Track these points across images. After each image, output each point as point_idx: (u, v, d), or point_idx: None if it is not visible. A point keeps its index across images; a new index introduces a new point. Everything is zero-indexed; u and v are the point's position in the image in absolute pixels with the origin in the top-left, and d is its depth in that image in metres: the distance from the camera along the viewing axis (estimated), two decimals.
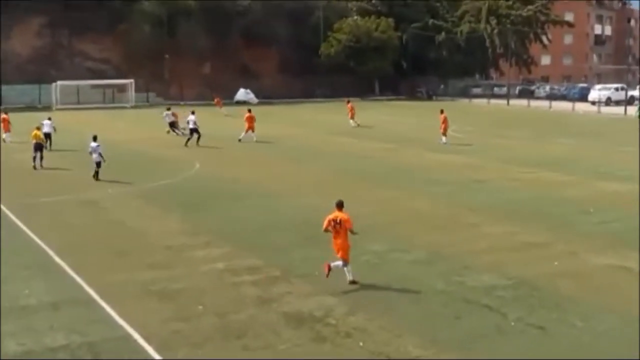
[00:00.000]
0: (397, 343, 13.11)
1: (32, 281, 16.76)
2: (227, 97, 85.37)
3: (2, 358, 12.62)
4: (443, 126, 44.68)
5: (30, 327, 13.88)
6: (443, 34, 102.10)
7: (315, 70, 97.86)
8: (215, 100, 74.26)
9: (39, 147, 35.29)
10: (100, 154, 30.84)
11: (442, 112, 45.43)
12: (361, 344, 13.05)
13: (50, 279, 17.01)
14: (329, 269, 16.29)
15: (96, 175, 30.74)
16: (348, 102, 60.44)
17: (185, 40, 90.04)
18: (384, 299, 15.42)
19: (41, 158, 35.18)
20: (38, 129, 37.05)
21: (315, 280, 16.75)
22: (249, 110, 46.70)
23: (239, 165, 35.58)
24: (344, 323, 14.02)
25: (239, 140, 44.67)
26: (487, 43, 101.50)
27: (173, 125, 50.48)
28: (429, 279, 16.84)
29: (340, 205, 16.54)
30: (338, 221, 16.28)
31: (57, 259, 18.56)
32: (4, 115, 47.08)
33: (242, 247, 19.69)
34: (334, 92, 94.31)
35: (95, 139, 31.47)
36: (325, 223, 16.45)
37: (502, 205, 25.48)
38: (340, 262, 16.34)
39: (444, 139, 44.22)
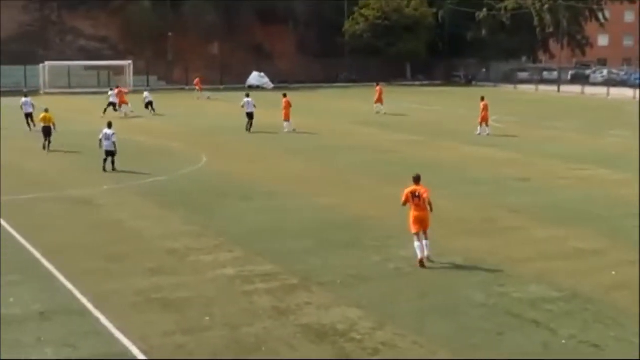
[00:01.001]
0: None
1: (18, 288, 16.91)
2: (239, 81, 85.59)
3: None
4: (482, 115, 44.68)
5: (15, 340, 14.00)
6: (484, 10, 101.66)
7: (338, 51, 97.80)
8: (195, 81, 75.55)
9: (47, 132, 37.79)
10: (114, 143, 31.62)
11: (482, 99, 45.48)
12: None
13: (38, 286, 17.14)
14: (422, 262, 18.32)
15: (112, 164, 31.64)
16: (377, 84, 60.44)
17: (191, 17, 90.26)
18: (416, 312, 15.46)
19: (49, 143, 37.63)
20: (46, 111, 38.94)
21: (337, 289, 16.83)
22: (284, 95, 46.88)
23: (250, 160, 35.70)
24: (370, 338, 14.06)
25: (286, 131, 45.06)
26: (536, 21, 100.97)
27: (113, 105, 54.22)
28: (467, 289, 16.86)
29: (417, 179, 18.85)
30: (417, 194, 18.53)
31: (46, 263, 18.73)
32: None
33: (255, 252, 19.79)
34: (360, 76, 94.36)
35: (110, 125, 32.27)
36: (404, 197, 18.72)
37: (549, 207, 25.42)
38: (425, 242, 18.39)
39: (480, 129, 44.36)
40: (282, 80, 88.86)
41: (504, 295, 16.41)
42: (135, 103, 56.86)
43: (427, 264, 18.31)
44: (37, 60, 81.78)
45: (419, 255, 18.42)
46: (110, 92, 56.58)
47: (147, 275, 17.83)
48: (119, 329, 14.40)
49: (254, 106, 46.02)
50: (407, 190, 18.81)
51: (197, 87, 73.91)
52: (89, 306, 15.67)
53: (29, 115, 45.64)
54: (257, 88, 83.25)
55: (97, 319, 14.99)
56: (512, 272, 18.05)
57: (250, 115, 45.61)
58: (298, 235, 21.57)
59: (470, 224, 23.11)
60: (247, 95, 47.60)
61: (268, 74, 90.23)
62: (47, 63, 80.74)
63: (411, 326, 14.60)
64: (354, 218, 23.67)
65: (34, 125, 44.15)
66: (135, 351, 13.47)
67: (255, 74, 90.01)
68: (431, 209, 18.63)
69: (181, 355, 13.39)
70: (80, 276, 17.60)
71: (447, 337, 14.16)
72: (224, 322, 14.79)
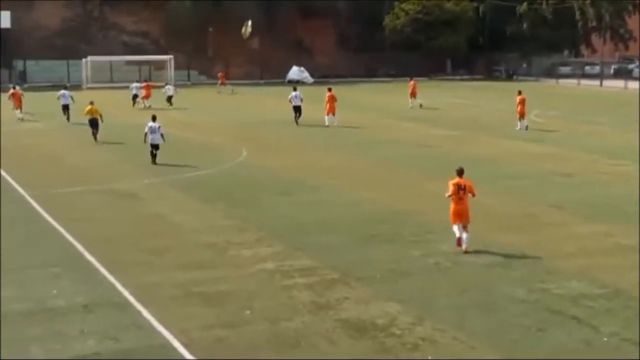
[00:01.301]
0: (471, 356, 13.10)
1: (61, 280, 17.14)
2: (279, 76, 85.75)
3: None
4: (519, 109, 44.45)
5: (59, 331, 14.19)
6: (525, 4, 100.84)
7: (378, 46, 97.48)
8: (219, 75, 77.00)
9: (94, 124, 38.51)
10: (162, 135, 32.02)
11: (519, 93, 45.27)
12: (430, 357, 13.06)
13: (81, 278, 17.34)
14: (460, 243, 19.00)
15: (154, 158, 31.94)
16: (411, 79, 60.57)
17: (231, 12, 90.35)
18: (456, 307, 15.40)
19: (96, 133, 38.41)
20: (92, 103, 39.63)
21: (377, 283, 16.83)
22: (329, 89, 47.15)
23: (290, 154, 35.76)
24: (410, 333, 14.03)
25: (326, 124, 45.23)
26: (577, 15, 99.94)
27: (135, 97, 56.65)
28: (507, 285, 16.76)
29: (461, 172, 19.47)
30: (462, 186, 19.18)
31: (88, 256, 18.93)
32: (12, 90, 49.30)
33: (294, 246, 19.84)
34: (400, 70, 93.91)
35: (154, 118, 32.58)
36: (451, 188, 19.21)
37: (591, 202, 25.16)
38: (465, 235, 18.95)
39: (519, 124, 44.07)
40: (322, 75, 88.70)
41: (545, 291, 16.29)
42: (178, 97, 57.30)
43: (465, 251, 18.81)
44: (80, 55, 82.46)
45: (457, 235, 19.20)
46: (133, 85, 58.40)
47: (187, 269, 17.94)
48: (159, 321, 14.51)
49: (301, 99, 46.56)
50: (453, 183, 19.34)
51: (221, 81, 74.74)
52: (131, 299, 15.82)
53: (65, 107, 47.05)
54: (297, 82, 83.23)
55: (139, 312, 15.13)
56: (553, 268, 17.91)
57: (297, 109, 46.26)
58: (338, 230, 21.57)
59: (512, 219, 22.97)
60: (295, 89, 48.38)
61: (308, 69, 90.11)
62: (89, 58, 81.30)
63: (451, 321, 14.55)
64: (394, 212, 23.63)
65: (69, 119, 46.22)
66: (176, 344, 13.57)
67: (295, 68, 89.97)
68: (473, 195, 19.46)
69: (221, 348, 13.46)
70: (122, 269, 17.77)
71: (487, 332, 14.09)
72: (263, 316, 14.84)
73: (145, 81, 61.15)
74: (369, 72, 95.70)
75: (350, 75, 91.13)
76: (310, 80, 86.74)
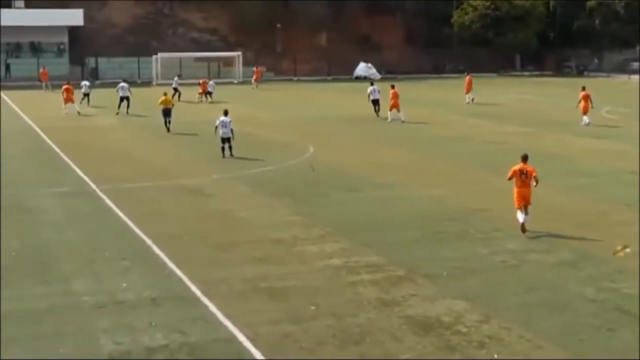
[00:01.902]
0: (537, 355, 12.96)
1: (130, 274, 17.36)
2: (346, 72, 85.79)
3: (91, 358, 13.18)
4: (583, 105, 43.94)
5: (128, 324, 14.39)
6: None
7: (446, 42, 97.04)
8: (255, 69, 77.08)
9: (167, 113, 40.66)
10: (231, 130, 32.66)
11: (583, 88, 44.97)
12: (496, 355, 12.96)
13: (149, 272, 17.56)
14: (523, 229, 20.00)
15: (225, 150, 32.73)
16: (467, 73, 60.44)
17: (299, 8, 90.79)
18: (523, 306, 15.26)
19: (169, 122, 40.56)
20: (165, 94, 41.97)
21: (443, 281, 16.75)
22: (392, 87, 47.26)
23: (356, 150, 35.72)
24: (476, 331, 13.94)
25: (389, 121, 45.42)
26: None
27: (177, 90, 58.11)
28: (576, 284, 16.56)
29: (525, 158, 20.37)
30: (525, 172, 20.08)
31: (157, 250, 19.16)
32: (65, 86, 50.55)
33: (360, 243, 19.83)
34: (468, 66, 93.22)
35: (226, 113, 33.22)
36: (511, 173, 20.34)
37: None
38: (524, 216, 20.04)
39: (585, 119, 43.66)
40: (389, 71, 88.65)
41: (615, 291, 16.05)
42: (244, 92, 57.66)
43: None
44: (150, 52, 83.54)
45: (521, 221, 20.12)
46: (175, 79, 61.18)
47: (254, 264, 18.05)
48: (226, 316, 14.62)
49: (379, 92, 47.78)
50: (515, 168, 20.33)
51: (255, 76, 75.09)
52: (198, 293, 15.96)
53: (124, 99, 49.59)
54: (364, 79, 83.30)
55: (206, 306, 15.26)
56: (623, 267, 17.61)
57: (376, 102, 47.51)
58: (404, 227, 21.52)
59: (582, 216, 22.64)
60: (372, 84, 49.92)
61: (375, 65, 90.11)
62: (159, 55, 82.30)
63: (517, 320, 14.42)
64: (461, 210, 23.48)
65: (128, 110, 49.05)
66: (242, 338, 13.66)
67: (362, 64, 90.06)
68: (536, 183, 20.23)
69: (287, 343, 13.52)
70: (190, 264, 17.95)
71: (554, 331, 13.93)
72: (329, 312, 14.87)
73: (200, 80, 62.68)
74: (437, 69, 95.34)
75: (417, 71, 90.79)
76: (378, 76, 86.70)
